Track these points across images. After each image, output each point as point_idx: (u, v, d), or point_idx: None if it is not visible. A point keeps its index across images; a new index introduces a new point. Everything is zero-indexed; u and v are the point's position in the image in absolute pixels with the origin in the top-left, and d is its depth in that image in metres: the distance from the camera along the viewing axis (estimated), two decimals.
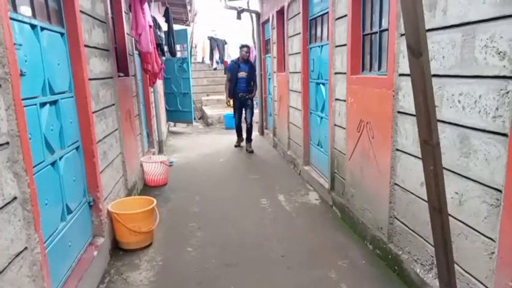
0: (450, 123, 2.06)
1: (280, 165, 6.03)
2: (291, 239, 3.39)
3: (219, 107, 11.89)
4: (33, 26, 2.09)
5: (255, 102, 7.56)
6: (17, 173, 1.67)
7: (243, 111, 7.05)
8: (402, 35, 2.47)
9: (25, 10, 2.07)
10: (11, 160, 1.63)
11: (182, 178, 5.36)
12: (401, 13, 2.34)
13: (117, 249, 3.19)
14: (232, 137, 7.71)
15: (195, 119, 9.93)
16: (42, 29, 2.20)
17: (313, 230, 3.60)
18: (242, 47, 6.88)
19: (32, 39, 2.08)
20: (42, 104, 2.16)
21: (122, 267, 2.95)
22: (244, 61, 6.85)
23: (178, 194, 4.70)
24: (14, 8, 1.92)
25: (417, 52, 1.41)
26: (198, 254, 3.16)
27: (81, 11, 2.72)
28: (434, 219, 1.58)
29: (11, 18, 1.75)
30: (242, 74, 6.81)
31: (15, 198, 1.65)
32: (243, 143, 7.16)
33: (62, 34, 2.52)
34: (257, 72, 9.47)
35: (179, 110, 8.94)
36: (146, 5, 4.14)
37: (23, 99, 1.76)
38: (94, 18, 3.14)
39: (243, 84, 6.83)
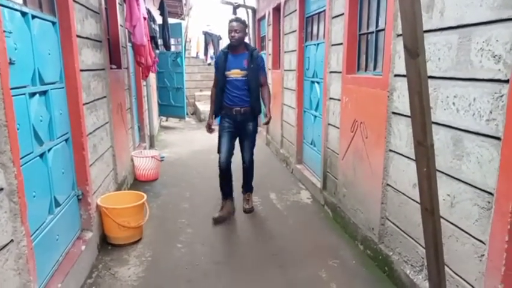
0: (444, 125, 2.06)
1: (273, 164, 6.01)
2: (282, 238, 3.38)
3: None
4: (24, 14, 2.04)
5: (259, 122, 4.61)
6: (3, 163, 1.63)
7: (235, 142, 3.83)
8: (398, 35, 2.47)
9: None
10: None
11: (173, 174, 5.31)
12: (399, 13, 2.33)
13: (105, 244, 3.15)
14: None
15: (187, 114, 9.87)
16: (34, 17, 2.15)
17: (304, 229, 3.59)
18: (231, 21, 3.62)
19: (23, 27, 2.03)
20: (32, 94, 2.11)
21: (111, 262, 2.91)
22: (236, 49, 3.64)
23: (169, 189, 4.67)
24: None
25: (414, 53, 1.40)
26: (188, 250, 3.14)
27: (74, 0, 2.67)
28: (425, 221, 1.58)
29: (1, 5, 1.70)
30: (234, 73, 3.63)
31: (1, 189, 1.61)
32: (231, 205, 3.87)
33: (53, 23, 2.46)
34: None
35: (172, 104, 8.87)
36: None
37: (11, 89, 1.72)
38: (87, 8, 3.08)
39: (237, 91, 3.65)
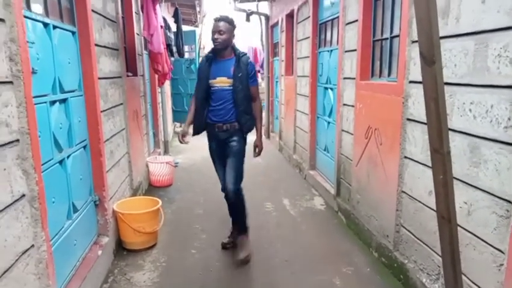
0: (460, 132, 2.04)
1: (286, 169, 6.01)
2: (296, 244, 3.37)
3: None
4: (45, 24, 2.10)
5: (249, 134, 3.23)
6: (26, 170, 1.67)
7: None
8: (413, 41, 2.46)
9: (38, 8, 2.08)
10: (20, 157, 1.63)
11: (187, 179, 5.36)
12: (414, 20, 2.33)
13: (121, 249, 3.19)
14: None
15: None
16: (55, 27, 2.22)
17: (318, 235, 3.58)
18: (216, 20, 3.02)
19: (44, 38, 2.09)
20: (52, 102, 2.17)
21: (126, 267, 2.95)
22: (222, 54, 3.03)
23: (183, 195, 4.70)
24: (28, 6, 1.93)
25: (430, 60, 1.40)
26: (202, 256, 3.15)
27: (93, 10, 2.74)
28: (442, 229, 1.56)
29: (25, 16, 1.76)
30: (220, 82, 3.02)
31: (23, 195, 1.65)
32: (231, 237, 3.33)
33: (73, 33, 2.53)
34: (264, 75, 9.11)
35: (186, 110, 8.92)
36: (158, 6, 4.16)
37: (33, 97, 1.77)
38: (105, 17, 3.15)
39: (223, 103, 3.03)
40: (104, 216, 2.91)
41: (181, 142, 3.25)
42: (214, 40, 2.96)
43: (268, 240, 3.47)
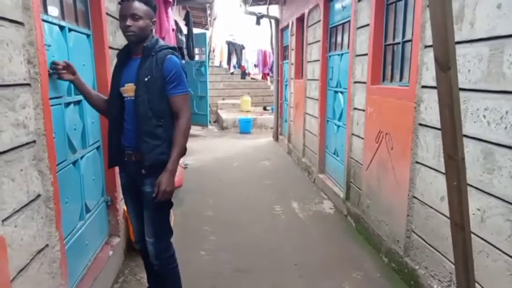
0: (474, 138, 2.03)
1: (295, 172, 6.00)
2: (305, 248, 3.37)
3: (234, 111, 11.99)
4: (61, 27, 2.14)
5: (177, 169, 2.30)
6: (41, 171, 1.70)
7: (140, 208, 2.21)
8: (426, 46, 2.45)
9: (54, 11, 2.12)
10: (36, 158, 1.66)
11: (197, 181, 5.38)
12: (427, 25, 2.32)
13: (131, 250, 3.21)
14: (248, 141, 7.61)
15: (210, 122, 9.99)
16: (70, 30, 2.25)
17: (327, 239, 3.57)
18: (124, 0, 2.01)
19: (60, 40, 2.12)
20: (67, 104, 2.20)
21: (136, 267, 2.97)
22: (137, 50, 2.10)
23: (192, 196, 4.73)
24: (45, 9, 1.97)
25: (446, 66, 1.40)
26: (211, 258, 3.16)
27: (107, 13, 2.77)
28: (455, 236, 1.55)
29: (42, 20, 1.80)
30: (127, 91, 2.10)
31: (39, 195, 1.68)
32: None
33: (88, 35, 2.57)
34: (273, 78, 9.25)
35: (195, 112, 9.01)
36: (170, 9, 4.20)
37: (49, 99, 1.80)
38: (117, 19, 3.18)
39: (131, 120, 2.10)
40: (115, 217, 2.93)
41: None
42: (124, 30, 2.02)
43: (277, 243, 3.46)
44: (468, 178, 1.89)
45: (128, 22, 1.99)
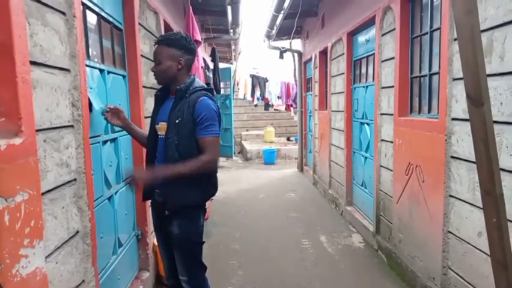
0: (510, 171, 1.97)
1: (321, 204, 5.92)
2: (335, 284, 3.27)
3: (257, 142, 12.10)
4: (101, 70, 2.28)
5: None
6: (80, 207, 1.77)
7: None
8: (454, 79, 2.44)
9: (96, 56, 2.26)
10: (76, 195, 1.73)
11: (223, 213, 5.39)
12: (455, 58, 2.33)
13: (160, 284, 3.21)
14: (273, 172, 7.61)
15: (234, 153, 10.09)
16: (109, 72, 2.39)
17: (357, 274, 3.46)
18: (155, 43, 2.15)
19: (100, 82, 2.25)
20: (104, 142, 2.31)
21: None
22: (173, 90, 2.14)
23: (219, 229, 4.72)
24: (87, 55, 2.11)
25: (478, 102, 1.40)
26: None
27: (142, 55, 2.93)
28: (497, 275, 1.49)
29: (87, 65, 1.92)
30: (161, 129, 2.13)
31: (77, 232, 1.74)
32: None
33: (124, 76, 2.71)
34: (298, 107, 9.33)
35: (221, 144, 9.14)
36: (199, 48, 4.38)
37: (90, 137, 1.90)
38: (151, 61, 3.35)
39: (161, 158, 2.12)
40: (145, 251, 2.97)
41: None
42: (154, 73, 2.14)
43: (306, 279, 3.39)
44: (507, 213, 1.83)
45: (153, 67, 2.12)
